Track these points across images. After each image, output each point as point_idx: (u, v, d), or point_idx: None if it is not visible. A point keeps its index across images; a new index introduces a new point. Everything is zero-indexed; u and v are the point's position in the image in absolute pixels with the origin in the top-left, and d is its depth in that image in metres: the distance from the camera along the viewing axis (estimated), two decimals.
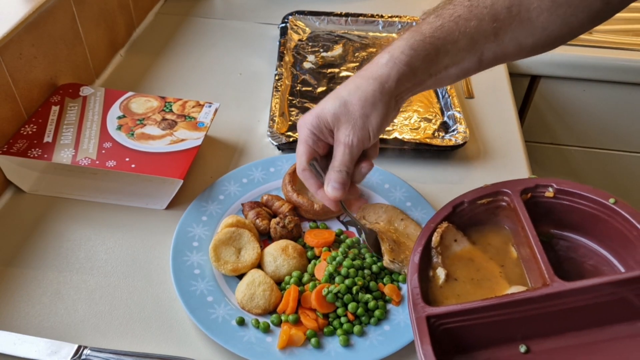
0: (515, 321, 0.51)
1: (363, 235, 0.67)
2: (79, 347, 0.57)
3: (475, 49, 0.56)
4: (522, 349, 0.52)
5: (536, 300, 0.51)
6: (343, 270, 0.62)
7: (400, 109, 0.61)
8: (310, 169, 0.61)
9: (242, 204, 0.72)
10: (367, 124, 0.56)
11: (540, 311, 0.51)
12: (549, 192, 0.61)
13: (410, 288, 0.54)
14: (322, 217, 0.73)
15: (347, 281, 0.61)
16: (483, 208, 0.63)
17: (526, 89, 1.18)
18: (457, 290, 0.57)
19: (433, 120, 0.90)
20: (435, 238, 0.59)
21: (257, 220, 0.70)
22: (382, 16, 1.11)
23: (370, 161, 0.61)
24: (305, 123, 0.59)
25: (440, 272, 0.58)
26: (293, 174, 0.74)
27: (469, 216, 0.62)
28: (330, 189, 0.59)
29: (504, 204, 0.62)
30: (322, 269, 0.64)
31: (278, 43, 1.04)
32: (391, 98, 0.56)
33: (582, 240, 0.61)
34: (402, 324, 0.60)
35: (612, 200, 0.58)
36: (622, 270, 0.58)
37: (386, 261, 0.63)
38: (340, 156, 0.58)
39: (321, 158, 0.61)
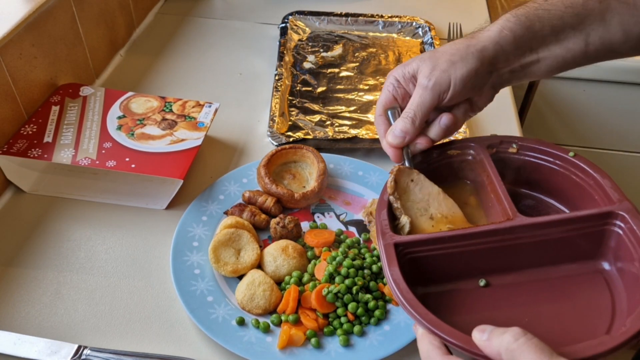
0: (478, 254, 0.53)
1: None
2: (79, 347, 0.57)
3: (581, 27, 0.54)
4: (482, 282, 0.54)
5: (500, 232, 0.52)
6: (343, 270, 0.62)
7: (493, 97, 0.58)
8: (385, 117, 0.60)
9: (227, 212, 0.71)
10: (450, 70, 0.55)
11: (502, 244, 0.53)
12: (513, 148, 0.62)
13: (380, 221, 0.55)
14: (302, 205, 0.73)
15: (347, 281, 0.61)
16: (447, 162, 0.63)
17: (526, 89, 1.18)
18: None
19: None
20: (390, 184, 0.57)
21: (255, 218, 0.70)
22: (382, 16, 1.11)
23: (453, 114, 0.58)
24: (392, 72, 0.59)
25: (404, 220, 0.57)
26: (266, 165, 0.74)
27: (433, 167, 0.62)
28: (390, 136, 0.57)
29: (469, 157, 0.62)
30: (322, 269, 0.64)
31: (278, 43, 1.04)
32: (486, 61, 0.55)
33: (543, 198, 0.63)
34: (402, 324, 0.60)
35: (571, 153, 0.60)
36: None
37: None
38: (412, 99, 0.56)
39: (401, 109, 0.59)
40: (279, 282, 0.65)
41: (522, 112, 1.21)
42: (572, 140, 1.23)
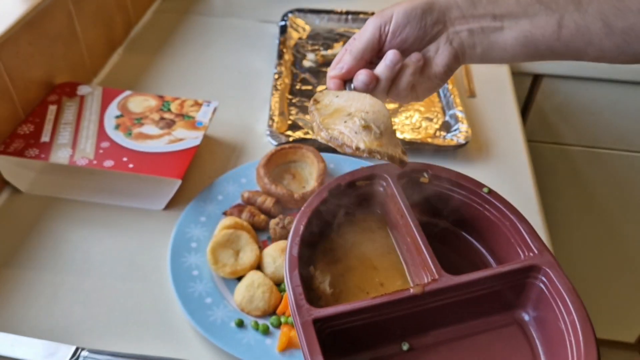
0: (401, 318, 0.50)
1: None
2: (77, 349, 0.57)
3: (553, 6, 0.50)
4: (405, 346, 0.51)
5: (427, 295, 0.49)
6: None
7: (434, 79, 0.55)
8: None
9: (226, 212, 0.71)
10: (395, 7, 0.54)
11: (426, 307, 0.50)
12: (424, 178, 0.59)
13: (292, 287, 0.49)
14: (302, 205, 0.72)
15: None
16: (357, 193, 0.59)
17: (529, 88, 1.17)
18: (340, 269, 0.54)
19: (434, 120, 0.89)
20: (311, 102, 0.54)
21: (255, 218, 0.69)
22: None
23: (402, 58, 0.54)
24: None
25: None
26: (266, 165, 0.74)
27: (344, 202, 0.58)
28: (331, 69, 0.56)
29: (380, 188, 0.59)
30: None
31: (277, 41, 1.03)
32: (435, 7, 0.53)
33: (454, 229, 0.60)
34: None
35: (486, 189, 0.57)
36: (492, 261, 0.57)
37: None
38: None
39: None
40: (278, 284, 0.64)
41: (525, 111, 1.20)
42: (576, 140, 1.22)
